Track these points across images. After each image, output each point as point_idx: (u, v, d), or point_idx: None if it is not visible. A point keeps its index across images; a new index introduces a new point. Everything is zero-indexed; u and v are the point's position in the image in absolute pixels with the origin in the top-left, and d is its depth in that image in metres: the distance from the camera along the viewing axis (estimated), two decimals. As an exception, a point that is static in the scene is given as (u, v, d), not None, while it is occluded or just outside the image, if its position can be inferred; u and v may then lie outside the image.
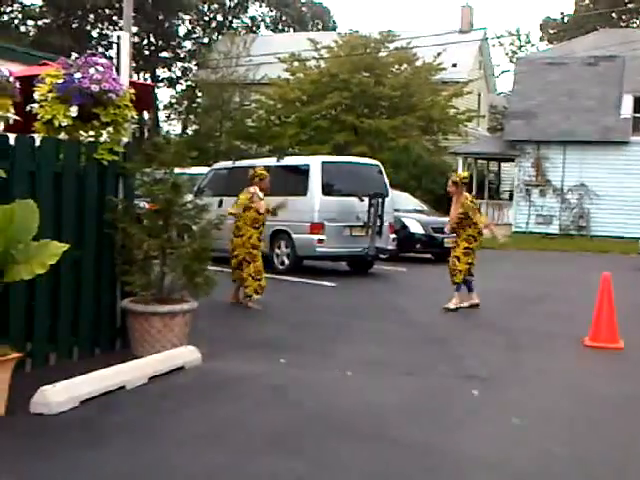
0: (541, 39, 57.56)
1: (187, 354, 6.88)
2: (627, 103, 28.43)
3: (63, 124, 6.77)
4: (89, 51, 7.33)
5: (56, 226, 6.61)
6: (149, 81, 47.50)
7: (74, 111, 6.76)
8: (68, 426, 5.20)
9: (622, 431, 5.52)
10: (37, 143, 6.59)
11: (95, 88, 6.67)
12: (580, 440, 5.26)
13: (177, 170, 7.48)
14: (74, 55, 7.23)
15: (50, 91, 6.79)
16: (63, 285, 6.77)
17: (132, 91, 7.16)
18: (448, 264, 11.33)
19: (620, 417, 5.89)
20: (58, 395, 5.46)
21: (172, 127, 45.40)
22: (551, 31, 56.18)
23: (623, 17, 51.79)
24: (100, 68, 6.77)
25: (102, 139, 6.98)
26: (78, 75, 6.69)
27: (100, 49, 40.63)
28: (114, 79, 6.84)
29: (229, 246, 10.75)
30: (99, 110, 6.85)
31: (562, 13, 57.30)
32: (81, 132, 6.94)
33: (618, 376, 7.37)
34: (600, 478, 4.63)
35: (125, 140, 7.27)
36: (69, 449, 4.79)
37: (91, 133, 6.94)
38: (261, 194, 10.69)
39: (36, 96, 6.83)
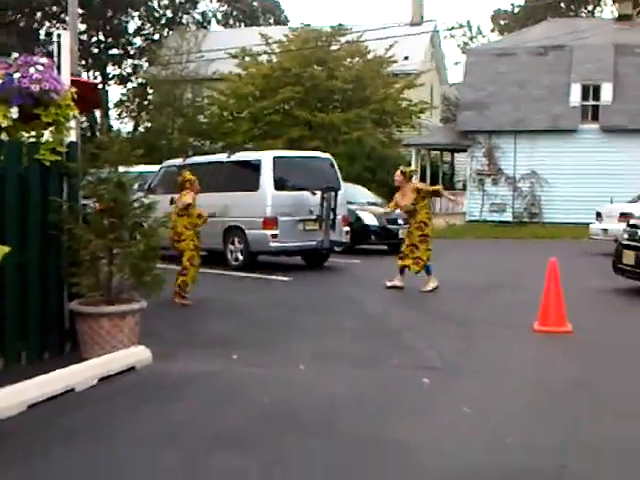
0: (492, 30, 58.04)
1: (138, 354, 6.82)
2: (575, 92, 28.81)
3: (3, 125, 6.64)
4: (37, 49, 7.23)
5: (-2, 229, 6.51)
6: (99, 79, 47.00)
7: (14, 112, 6.65)
8: (17, 431, 5.13)
9: (570, 417, 5.59)
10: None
11: (35, 88, 6.56)
12: (531, 428, 5.32)
13: (126, 168, 7.42)
14: (14, 54, 7.07)
15: (-11, 92, 6.66)
16: (8, 289, 6.66)
17: (74, 90, 7.06)
18: (402, 253, 12.12)
19: (567, 403, 5.97)
20: (5, 400, 5.38)
21: (124, 125, 44.85)
22: (502, 22, 56.63)
23: (572, 7, 52.42)
24: (40, 67, 6.65)
25: (44, 139, 6.87)
26: (17, 75, 6.57)
27: (50, 47, 39.89)
28: (55, 78, 6.73)
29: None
30: (40, 110, 6.73)
31: (512, 4, 57.67)
32: (22, 133, 6.84)
33: (565, 360, 7.49)
34: (551, 466, 4.69)
35: (68, 140, 7.17)
36: (19, 454, 4.73)
37: (32, 133, 6.84)
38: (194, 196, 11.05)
39: (-26, 97, 6.71)
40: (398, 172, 12.29)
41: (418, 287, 11.82)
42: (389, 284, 12.08)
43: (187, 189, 10.97)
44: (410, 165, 28.35)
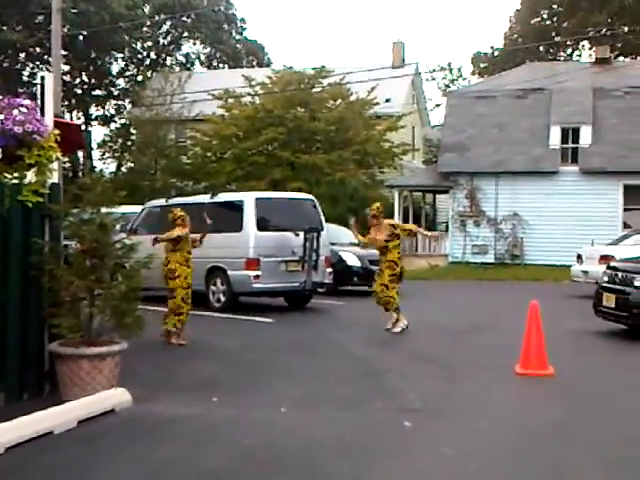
0: (472, 73, 58.66)
1: (117, 396, 6.77)
2: (555, 134, 29.15)
3: (-14, 166, 6.67)
4: (20, 91, 7.28)
5: (-21, 270, 6.48)
6: (82, 120, 47.08)
7: (-3, 153, 6.67)
8: (-4, 472, 5.09)
9: (551, 460, 5.58)
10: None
11: (18, 130, 6.59)
12: (513, 472, 5.31)
13: (108, 209, 7.43)
14: (-3, 97, 7.10)
15: (-28, 133, 6.68)
16: (-13, 329, 6.63)
17: (57, 132, 7.09)
18: (375, 293, 12.15)
19: (549, 446, 5.96)
20: (-17, 443, 5.32)
21: (106, 165, 44.83)
22: (482, 65, 57.32)
23: (550, 50, 53.22)
24: (24, 109, 6.69)
25: (26, 181, 6.88)
26: (1, 117, 6.60)
27: (34, 88, 39.96)
28: (38, 120, 6.77)
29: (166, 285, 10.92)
30: (23, 152, 6.76)
31: (492, 47, 58.44)
32: (5, 174, 6.84)
33: (547, 403, 7.49)
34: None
35: (51, 181, 7.18)
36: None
37: (15, 175, 6.84)
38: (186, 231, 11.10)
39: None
40: (370, 216, 12.24)
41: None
42: (397, 329, 11.82)
43: (179, 226, 10.99)
44: (393, 205, 28.99)
